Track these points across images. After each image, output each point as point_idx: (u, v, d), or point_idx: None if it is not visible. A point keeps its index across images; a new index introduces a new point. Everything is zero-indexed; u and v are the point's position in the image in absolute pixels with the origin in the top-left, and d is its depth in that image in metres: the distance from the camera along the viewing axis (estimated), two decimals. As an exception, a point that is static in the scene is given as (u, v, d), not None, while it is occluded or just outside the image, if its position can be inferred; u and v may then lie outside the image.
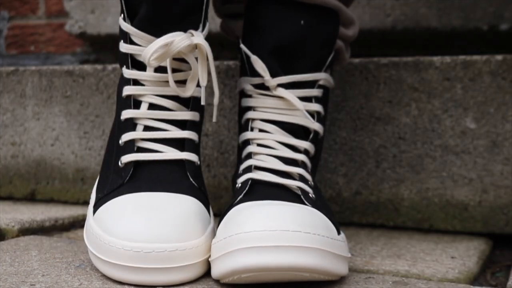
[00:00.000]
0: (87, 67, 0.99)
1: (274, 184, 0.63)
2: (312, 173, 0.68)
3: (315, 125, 0.67)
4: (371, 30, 1.09)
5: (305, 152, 0.67)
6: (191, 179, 0.63)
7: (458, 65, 0.81)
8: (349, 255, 0.59)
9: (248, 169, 0.65)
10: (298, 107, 0.65)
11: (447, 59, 0.82)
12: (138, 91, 0.63)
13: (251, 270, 0.53)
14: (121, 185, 0.62)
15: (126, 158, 0.63)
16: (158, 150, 0.63)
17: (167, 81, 0.62)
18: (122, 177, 0.63)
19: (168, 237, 0.56)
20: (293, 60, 0.67)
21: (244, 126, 0.68)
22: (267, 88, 0.67)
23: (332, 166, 0.87)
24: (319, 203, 0.62)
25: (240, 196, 0.62)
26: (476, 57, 0.81)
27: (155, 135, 0.63)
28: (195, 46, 0.62)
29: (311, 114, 0.68)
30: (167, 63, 0.62)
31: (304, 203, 0.61)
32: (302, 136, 0.67)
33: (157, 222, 0.57)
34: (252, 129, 0.67)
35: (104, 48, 1.35)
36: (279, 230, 0.52)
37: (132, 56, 0.64)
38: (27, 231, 0.81)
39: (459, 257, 0.70)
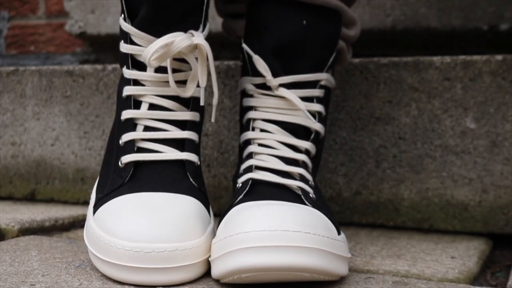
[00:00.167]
0: (87, 67, 0.99)
1: (274, 184, 0.63)
2: (313, 173, 0.68)
3: (316, 125, 0.67)
4: (371, 30, 1.09)
5: (306, 152, 0.67)
6: (191, 180, 0.63)
7: (458, 65, 0.81)
8: (349, 255, 0.59)
9: (249, 169, 0.65)
10: (299, 107, 0.65)
11: (447, 59, 0.82)
12: (138, 91, 0.63)
13: (251, 270, 0.53)
14: (121, 185, 0.62)
15: (126, 159, 0.63)
16: (158, 151, 0.63)
17: (167, 81, 0.62)
18: (122, 177, 0.63)
19: (168, 237, 0.56)
20: (294, 60, 0.67)
21: (245, 126, 0.68)
22: (268, 88, 0.67)
23: (332, 166, 0.87)
24: (319, 203, 0.62)
25: (241, 196, 0.62)
26: (476, 57, 0.81)
27: (155, 135, 0.63)
28: (195, 47, 0.62)
29: (313, 114, 0.68)
30: (168, 63, 0.62)
31: (304, 203, 0.61)
32: (303, 136, 0.67)
33: (157, 222, 0.57)
34: (253, 129, 0.67)
35: (104, 48, 1.35)
36: (279, 230, 0.52)
37: (132, 56, 0.64)
38: (27, 231, 0.81)
39: (459, 257, 0.70)
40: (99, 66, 0.99)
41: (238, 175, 0.66)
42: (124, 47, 0.65)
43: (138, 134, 0.63)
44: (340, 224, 0.78)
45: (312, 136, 0.68)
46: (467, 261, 0.68)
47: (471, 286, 0.59)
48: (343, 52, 0.73)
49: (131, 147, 0.63)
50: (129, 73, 0.64)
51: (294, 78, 0.66)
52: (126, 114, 0.64)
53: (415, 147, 0.83)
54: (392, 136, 0.84)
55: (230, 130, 0.91)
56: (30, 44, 1.48)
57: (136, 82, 0.64)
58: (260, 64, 0.66)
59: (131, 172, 0.62)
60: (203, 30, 0.65)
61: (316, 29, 0.67)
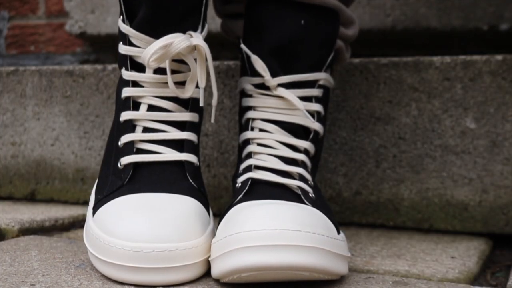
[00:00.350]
0: (87, 67, 0.99)
1: (274, 184, 0.63)
2: (312, 172, 0.68)
3: (315, 125, 0.67)
4: (371, 30, 1.09)
5: (305, 152, 0.67)
6: (191, 180, 0.64)
7: (458, 65, 0.81)
8: (349, 255, 0.59)
9: (248, 169, 0.65)
10: (298, 107, 0.65)
11: (447, 59, 0.82)
12: (137, 92, 0.63)
13: (251, 269, 0.53)
14: (121, 187, 0.62)
15: (125, 160, 0.63)
16: (157, 152, 0.63)
17: (166, 83, 0.62)
18: (122, 178, 0.63)
19: (168, 237, 0.56)
20: (293, 60, 0.67)
21: (245, 125, 0.68)
22: (267, 88, 0.67)
23: (332, 166, 0.87)
24: (318, 203, 0.63)
25: (240, 196, 0.62)
26: (476, 57, 0.81)
27: (154, 137, 0.63)
28: (194, 48, 0.62)
29: (311, 114, 0.68)
30: (166, 65, 0.62)
31: (304, 203, 0.61)
32: (302, 136, 0.67)
33: (157, 222, 0.57)
34: (252, 129, 0.67)
35: (104, 48, 1.35)
36: (278, 229, 0.52)
37: (131, 58, 0.64)
38: (27, 231, 0.81)
39: (459, 257, 0.70)
40: (99, 66, 0.99)
41: (237, 174, 0.66)
42: (123, 49, 0.65)
43: (137, 135, 0.63)
44: (340, 224, 0.78)
45: (311, 135, 0.68)
46: (467, 261, 0.68)
47: (471, 286, 0.59)
48: (341, 52, 0.73)
49: (130, 148, 0.63)
50: (128, 74, 0.64)
51: (292, 78, 0.66)
52: (125, 115, 0.64)
53: (415, 147, 0.83)
54: (392, 136, 0.84)
55: (230, 130, 0.91)
56: (30, 44, 1.48)
57: (135, 84, 0.64)
58: (259, 64, 0.66)
59: (130, 174, 0.62)
60: (201, 31, 0.65)
61: (314, 29, 0.67)
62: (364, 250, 0.73)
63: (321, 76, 0.68)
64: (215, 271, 0.56)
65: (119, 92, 0.66)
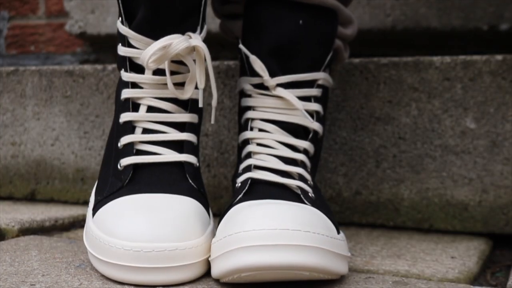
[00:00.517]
0: (87, 67, 0.99)
1: (273, 184, 0.63)
2: (312, 172, 0.68)
3: (314, 125, 0.67)
4: (371, 30, 1.09)
5: (305, 151, 0.67)
6: (190, 181, 0.64)
7: (458, 65, 0.81)
8: (349, 254, 0.59)
9: (248, 169, 0.65)
10: (297, 107, 0.65)
11: (447, 59, 0.82)
12: (137, 94, 0.63)
13: (251, 269, 0.53)
14: (121, 188, 0.62)
15: (125, 161, 0.63)
16: (157, 153, 0.63)
17: (166, 84, 0.62)
18: (122, 180, 0.63)
19: (168, 237, 0.56)
20: (292, 59, 0.67)
21: (244, 125, 0.68)
22: (266, 88, 0.67)
23: (332, 166, 0.87)
24: (318, 202, 0.63)
25: (240, 196, 0.62)
26: (476, 57, 0.81)
27: (154, 138, 0.63)
28: (193, 49, 0.62)
29: (310, 113, 0.68)
30: (165, 66, 0.61)
31: (303, 202, 0.61)
32: (302, 135, 0.67)
33: (157, 222, 0.57)
34: (251, 129, 0.67)
35: (104, 48, 1.35)
36: (278, 229, 0.52)
37: (130, 59, 0.64)
38: (27, 231, 0.81)
39: (459, 257, 0.70)
40: (99, 66, 0.99)
41: (237, 174, 0.66)
42: (122, 50, 0.65)
43: (136, 136, 0.63)
44: (340, 224, 0.78)
45: (311, 135, 0.68)
46: (467, 261, 0.68)
47: (471, 286, 0.59)
48: (340, 51, 0.73)
49: (130, 149, 0.63)
50: (127, 76, 0.64)
51: (291, 77, 0.66)
52: (125, 117, 0.64)
53: (415, 147, 0.83)
54: (392, 136, 0.84)
55: (230, 130, 0.91)
56: (30, 44, 1.48)
57: (134, 85, 0.64)
58: (257, 64, 0.66)
59: (130, 175, 0.62)
60: (200, 32, 0.65)
61: (313, 29, 0.67)
62: (364, 250, 0.73)
63: (320, 76, 0.68)
64: (215, 271, 0.56)
65: (118, 93, 0.66)
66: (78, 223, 0.88)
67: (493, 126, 0.80)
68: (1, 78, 1.05)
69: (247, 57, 0.67)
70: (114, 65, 0.98)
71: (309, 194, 0.63)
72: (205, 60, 0.62)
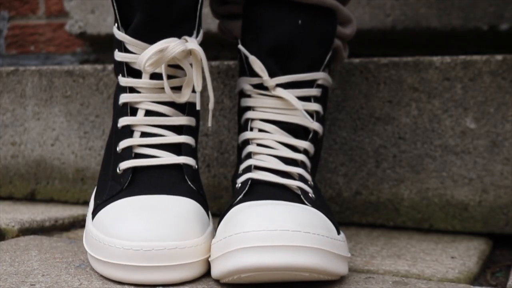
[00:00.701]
0: (87, 67, 0.99)
1: (274, 184, 0.63)
2: (312, 173, 0.68)
3: (314, 125, 0.67)
4: (371, 30, 1.09)
5: (305, 152, 0.67)
6: (189, 183, 0.64)
7: (458, 65, 0.81)
8: (349, 255, 0.59)
9: (248, 169, 0.65)
10: (297, 107, 0.65)
11: (447, 59, 0.82)
12: (135, 98, 0.64)
13: (250, 270, 0.53)
14: (120, 191, 0.62)
15: (124, 165, 0.63)
16: (156, 156, 0.63)
17: (163, 88, 0.63)
18: (121, 183, 0.63)
19: (168, 236, 0.56)
20: (291, 60, 0.67)
21: (244, 126, 0.68)
22: (266, 88, 0.67)
23: (332, 166, 0.87)
24: (318, 203, 0.63)
25: (240, 196, 0.62)
26: (476, 57, 0.81)
27: (152, 141, 0.63)
28: (190, 52, 0.63)
29: (310, 113, 0.68)
30: (162, 70, 0.62)
31: (303, 203, 0.61)
32: (302, 136, 0.67)
33: (156, 222, 0.57)
34: (251, 129, 0.67)
35: (104, 48, 1.35)
36: (278, 230, 0.52)
37: (127, 64, 0.65)
38: (27, 231, 0.81)
39: (459, 257, 0.70)
40: (99, 66, 0.99)
41: (237, 175, 0.66)
42: (119, 56, 0.65)
43: (135, 140, 0.63)
44: (340, 224, 0.78)
45: (311, 135, 0.68)
46: (467, 261, 0.68)
47: (471, 286, 0.59)
48: (339, 51, 0.73)
49: (129, 153, 0.63)
50: (124, 80, 0.64)
51: (291, 78, 0.66)
52: (123, 121, 0.64)
53: (415, 147, 0.83)
54: (392, 136, 0.84)
55: (230, 130, 0.91)
56: (30, 44, 1.48)
57: (132, 90, 0.64)
58: (257, 64, 0.66)
59: (129, 178, 0.63)
60: (197, 36, 0.65)
61: (312, 29, 0.67)
62: (364, 250, 0.73)
63: (320, 76, 0.68)
64: (215, 272, 0.56)
65: (116, 99, 0.66)
66: (78, 223, 0.88)
67: (493, 126, 0.80)
68: (1, 78, 1.05)
69: (247, 58, 0.67)
70: (114, 65, 0.98)
71: (309, 194, 0.63)
72: (202, 63, 0.63)
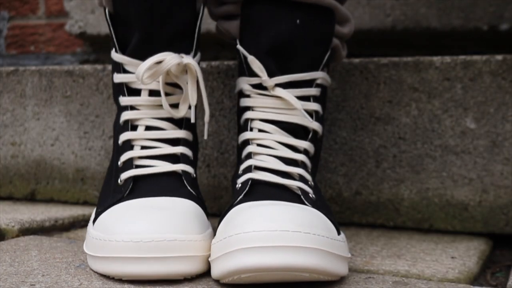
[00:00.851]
0: (87, 67, 0.99)
1: (274, 184, 0.63)
2: (312, 173, 0.68)
3: (314, 124, 0.67)
4: (371, 30, 1.09)
5: (305, 152, 0.67)
6: (189, 188, 0.65)
7: (458, 65, 0.81)
8: (349, 255, 0.59)
9: (248, 169, 0.65)
10: (296, 107, 0.65)
11: (447, 59, 0.82)
12: (135, 115, 0.67)
13: (251, 271, 0.53)
14: (121, 198, 0.64)
15: (125, 175, 0.65)
16: (155, 165, 0.66)
17: (161, 105, 0.66)
18: (122, 192, 0.64)
19: (168, 230, 0.56)
20: (290, 59, 0.67)
21: (243, 126, 0.68)
22: (265, 88, 0.67)
23: (332, 166, 0.87)
24: (319, 203, 0.62)
25: (240, 196, 0.62)
26: (476, 57, 0.81)
27: (151, 152, 0.66)
28: (186, 69, 0.66)
29: (310, 113, 0.68)
30: (160, 87, 0.65)
31: (304, 203, 0.61)
32: (302, 135, 0.67)
33: (156, 218, 0.58)
34: (251, 129, 0.67)
35: (104, 48, 1.35)
36: (279, 231, 0.52)
37: (127, 85, 0.68)
38: (27, 231, 0.81)
39: (459, 257, 0.70)
40: (99, 66, 0.99)
41: (237, 175, 0.66)
42: (118, 78, 0.68)
43: (135, 152, 0.66)
44: (340, 224, 0.78)
45: (310, 135, 0.68)
46: (467, 261, 0.68)
47: (471, 286, 0.59)
48: (338, 50, 0.73)
49: (130, 165, 0.66)
50: (125, 100, 0.67)
51: (290, 77, 0.66)
52: (124, 136, 0.67)
53: (415, 147, 0.83)
54: (392, 136, 0.84)
55: (230, 130, 0.91)
56: (30, 44, 1.48)
57: (132, 107, 0.67)
58: (256, 64, 0.66)
59: (130, 186, 0.64)
60: (194, 56, 0.68)
61: (310, 28, 0.67)
62: (364, 250, 0.73)
63: (319, 75, 0.68)
64: (215, 272, 0.56)
65: (117, 119, 0.69)
66: (78, 223, 0.88)
67: (493, 126, 0.80)
68: (1, 78, 1.05)
69: (245, 58, 0.67)
70: (114, 65, 0.98)
71: (310, 195, 0.63)
72: (197, 78, 0.66)
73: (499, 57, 0.80)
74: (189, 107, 0.67)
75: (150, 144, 0.66)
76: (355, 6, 1.07)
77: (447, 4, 1.05)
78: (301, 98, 0.67)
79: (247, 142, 0.67)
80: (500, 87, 0.80)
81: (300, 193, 0.63)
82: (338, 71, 0.86)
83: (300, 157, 0.66)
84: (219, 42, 1.02)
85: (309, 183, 0.65)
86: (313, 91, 0.68)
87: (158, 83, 0.66)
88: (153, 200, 0.62)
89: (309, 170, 0.66)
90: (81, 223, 0.88)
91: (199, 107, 0.78)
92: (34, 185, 1.03)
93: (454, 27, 1.05)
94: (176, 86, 0.67)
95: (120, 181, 0.65)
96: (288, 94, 0.65)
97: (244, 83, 0.68)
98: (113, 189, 0.66)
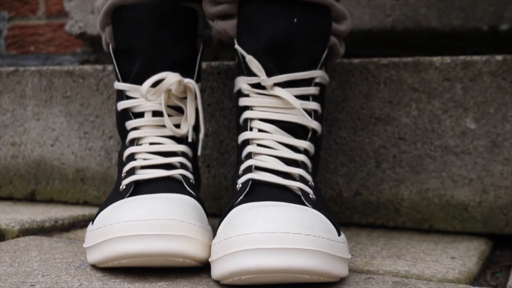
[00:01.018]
0: (87, 67, 0.99)
1: (274, 185, 0.63)
2: (313, 173, 0.67)
3: (313, 124, 0.67)
4: (371, 30, 1.09)
5: (305, 152, 0.67)
6: (189, 189, 0.67)
7: (458, 65, 0.81)
8: (349, 256, 0.59)
9: (249, 170, 0.65)
10: (295, 106, 0.65)
11: (447, 59, 0.82)
12: (140, 134, 0.71)
13: (251, 272, 0.52)
14: (121, 199, 0.65)
15: (127, 181, 0.67)
16: (156, 172, 0.68)
17: (164, 125, 0.70)
18: (123, 195, 0.66)
19: (167, 213, 0.58)
20: (288, 58, 0.66)
21: (243, 125, 0.68)
22: (263, 87, 0.66)
23: (332, 166, 0.87)
24: (319, 204, 0.62)
25: (241, 197, 0.62)
26: (476, 57, 0.81)
27: (152, 162, 0.69)
28: (186, 90, 0.70)
29: (309, 112, 0.67)
30: (163, 107, 0.69)
31: (304, 204, 0.61)
32: (301, 135, 0.67)
33: (156, 205, 0.59)
34: (251, 129, 0.67)
35: (104, 48, 1.35)
36: (279, 232, 0.52)
37: (131, 110, 0.71)
38: (27, 231, 0.81)
39: (459, 258, 0.70)
40: (99, 67, 0.99)
41: (237, 175, 0.66)
42: (122, 104, 0.72)
43: (137, 162, 0.69)
44: (340, 224, 0.78)
45: (310, 134, 0.67)
46: (467, 262, 0.68)
47: (471, 287, 0.59)
48: (335, 48, 0.73)
49: (131, 173, 0.68)
50: (131, 123, 0.71)
51: (288, 76, 0.66)
52: (128, 151, 0.70)
53: (415, 147, 0.83)
54: (392, 136, 0.84)
55: (230, 130, 0.91)
56: (30, 44, 1.48)
57: (137, 128, 0.71)
58: (254, 64, 0.66)
59: (131, 189, 0.66)
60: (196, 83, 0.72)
61: (307, 26, 0.67)
62: (364, 250, 0.73)
63: (317, 74, 0.68)
64: (216, 273, 0.56)
65: (122, 150, 0.72)
66: (78, 224, 0.88)
67: (493, 127, 0.80)
68: (1, 79, 1.05)
69: (243, 57, 0.67)
70: (114, 66, 0.98)
71: (310, 195, 0.63)
72: (196, 98, 0.70)
73: (499, 57, 0.80)
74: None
75: (152, 157, 0.69)
76: (355, 6, 1.07)
77: (447, 4, 1.05)
78: (300, 97, 0.67)
79: (247, 142, 0.67)
80: (500, 87, 0.80)
81: (300, 194, 0.62)
82: (338, 71, 0.86)
83: (301, 157, 0.66)
84: (219, 42, 1.02)
85: (310, 183, 0.64)
86: (311, 90, 0.68)
87: (160, 105, 0.70)
88: (153, 195, 0.64)
89: (310, 171, 0.66)
90: (81, 224, 0.88)
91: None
92: (34, 185, 1.03)
93: (454, 27, 1.05)
94: (178, 109, 0.71)
95: (122, 187, 0.67)
96: (287, 94, 0.65)
97: (243, 83, 0.68)
98: (115, 196, 0.67)
